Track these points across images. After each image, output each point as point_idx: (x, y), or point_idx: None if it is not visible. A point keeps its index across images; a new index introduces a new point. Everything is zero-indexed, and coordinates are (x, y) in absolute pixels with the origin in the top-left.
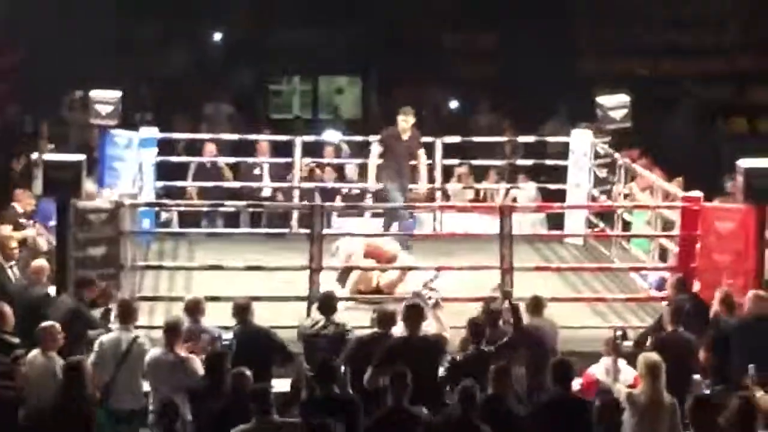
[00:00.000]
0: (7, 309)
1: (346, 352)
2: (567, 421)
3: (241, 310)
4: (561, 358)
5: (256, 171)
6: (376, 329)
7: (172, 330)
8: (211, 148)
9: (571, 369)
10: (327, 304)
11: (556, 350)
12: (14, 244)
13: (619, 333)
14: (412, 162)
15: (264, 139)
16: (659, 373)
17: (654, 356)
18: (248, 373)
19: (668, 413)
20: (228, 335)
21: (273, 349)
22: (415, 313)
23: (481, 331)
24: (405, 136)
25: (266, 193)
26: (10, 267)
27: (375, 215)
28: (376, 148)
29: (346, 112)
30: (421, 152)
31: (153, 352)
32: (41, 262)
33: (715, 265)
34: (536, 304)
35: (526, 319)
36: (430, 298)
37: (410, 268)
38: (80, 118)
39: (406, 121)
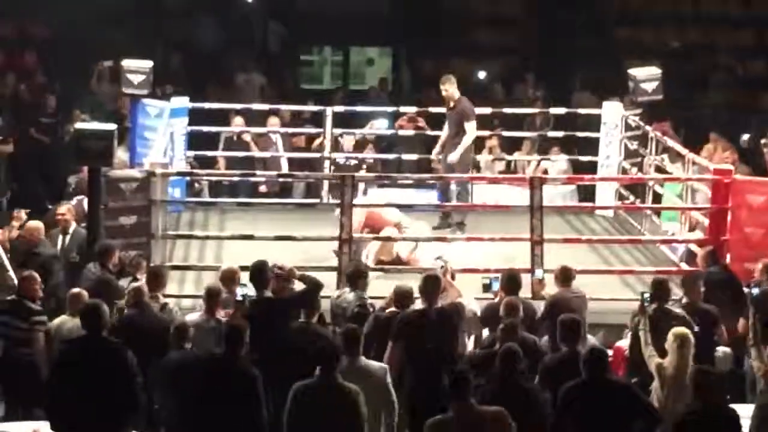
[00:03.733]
0: (36, 276)
1: (365, 330)
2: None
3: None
4: (570, 316)
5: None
6: (393, 308)
7: (212, 296)
8: (238, 121)
9: (580, 327)
10: (354, 275)
11: (584, 321)
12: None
13: (646, 296)
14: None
15: (286, 109)
16: (688, 344)
17: (683, 329)
18: None
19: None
20: (247, 290)
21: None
22: (431, 285)
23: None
24: (451, 104)
25: (283, 165)
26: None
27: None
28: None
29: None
30: (468, 125)
31: (192, 317)
32: (35, 223)
33: (746, 239)
34: (565, 275)
35: (554, 289)
36: (442, 267)
37: (428, 239)
38: (108, 88)
39: (445, 90)
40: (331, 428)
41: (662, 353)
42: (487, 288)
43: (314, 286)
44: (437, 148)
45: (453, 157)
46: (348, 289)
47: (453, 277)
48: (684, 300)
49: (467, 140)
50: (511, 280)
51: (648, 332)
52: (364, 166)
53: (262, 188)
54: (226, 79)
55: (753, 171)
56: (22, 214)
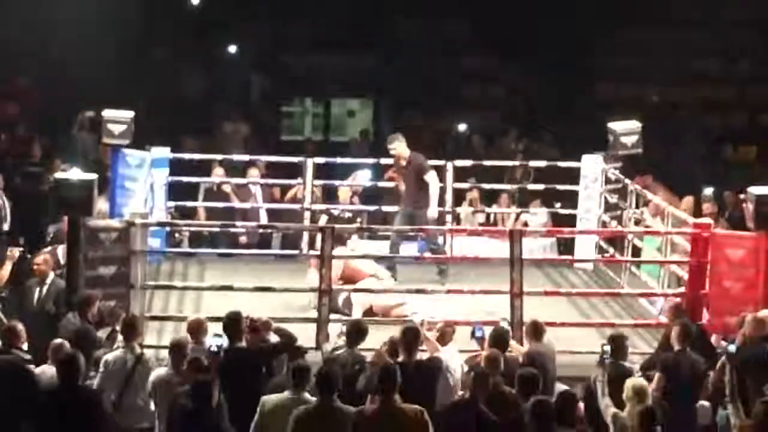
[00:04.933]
0: (20, 326)
1: (360, 385)
2: None
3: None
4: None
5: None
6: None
7: (177, 349)
8: (219, 172)
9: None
10: (355, 333)
11: (554, 376)
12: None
13: (606, 348)
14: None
15: (266, 160)
16: (645, 397)
17: (641, 380)
18: None
19: None
20: (221, 341)
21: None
22: (410, 336)
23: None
24: (403, 163)
25: (262, 216)
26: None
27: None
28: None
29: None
30: (428, 177)
31: (158, 372)
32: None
33: (725, 293)
34: (536, 329)
35: (526, 344)
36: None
37: (407, 291)
38: (88, 138)
39: (393, 149)
40: None
41: (619, 406)
42: (472, 335)
43: (288, 339)
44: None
45: (431, 213)
46: (344, 345)
47: (445, 333)
48: (677, 348)
49: (434, 192)
50: (497, 339)
51: (605, 383)
52: (359, 220)
53: (242, 239)
54: (207, 129)
55: (730, 225)
56: (15, 252)
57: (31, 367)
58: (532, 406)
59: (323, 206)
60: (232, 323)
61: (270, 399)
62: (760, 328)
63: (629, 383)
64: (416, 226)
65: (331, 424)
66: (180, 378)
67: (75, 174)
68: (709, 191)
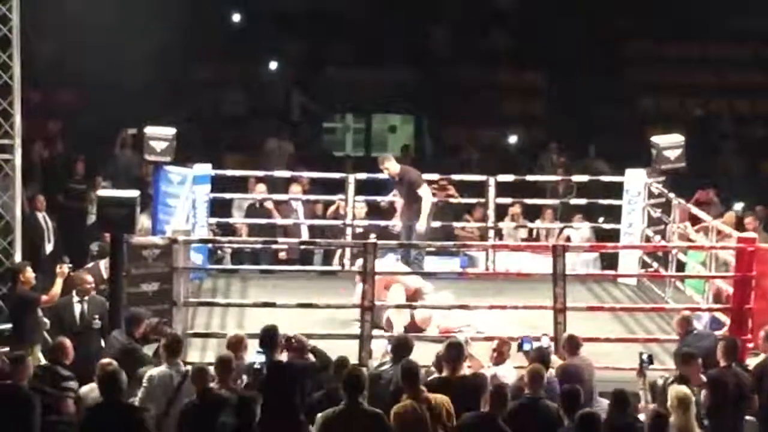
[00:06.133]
0: (68, 343)
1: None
2: None
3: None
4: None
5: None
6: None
7: (224, 365)
8: (260, 188)
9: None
10: (400, 349)
11: (592, 388)
12: (90, 278)
13: (645, 356)
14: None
15: (307, 176)
16: (689, 405)
17: (684, 389)
18: None
19: None
20: (264, 358)
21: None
22: (454, 353)
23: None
24: (397, 179)
25: (304, 232)
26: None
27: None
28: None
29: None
30: (421, 191)
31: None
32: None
33: None
34: (572, 343)
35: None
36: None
37: (449, 307)
38: (130, 156)
39: (386, 169)
40: None
41: None
42: (520, 348)
43: (324, 362)
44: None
45: (420, 227)
46: (390, 361)
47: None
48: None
49: (426, 207)
50: (540, 357)
51: (648, 391)
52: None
53: (282, 255)
54: (248, 146)
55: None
56: (65, 269)
57: (34, 395)
58: (579, 418)
59: (365, 222)
60: (269, 336)
61: (325, 414)
62: None
63: (672, 392)
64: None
65: (358, 425)
66: (226, 392)
67: (118, 191)
68: (739, 206)
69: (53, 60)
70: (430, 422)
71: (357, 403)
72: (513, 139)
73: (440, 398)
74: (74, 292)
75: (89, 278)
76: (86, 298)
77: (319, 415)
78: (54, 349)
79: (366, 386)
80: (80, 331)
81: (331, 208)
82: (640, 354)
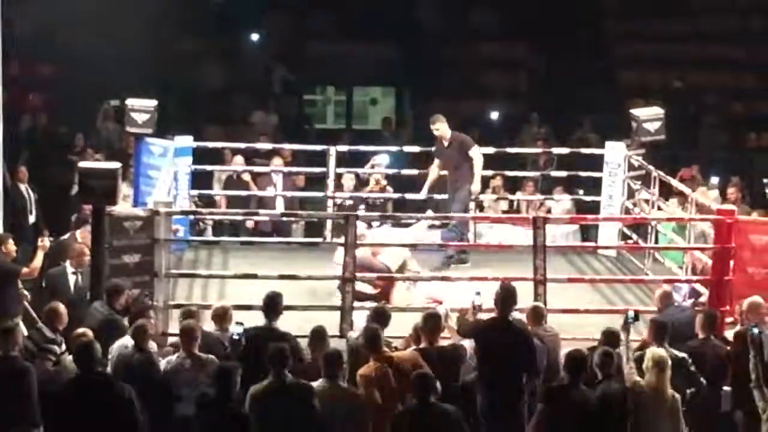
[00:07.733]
0: (62, 308)
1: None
2: None
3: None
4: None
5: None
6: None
7: (187, 334)
8: (238, 160)
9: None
10: (377, 318)
11: (557, 359)
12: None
13: (631, 314)
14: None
15: (289, 148)
16: (665, 367)
17: (661, 351)
18: None
19: (670, 407)
20: (242, 329)
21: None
22: (432, 323)
23: None
24: (445, 143)
25: (279, 204)
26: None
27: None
28: (436, 161)
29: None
30: (473, 152)
31: (170, 358)
32: None
33: (749, 279)
34: (536, 314)
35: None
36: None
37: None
38: (113, 128)
39: (436, 129)
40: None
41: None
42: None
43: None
44: (426, 188)
45: (476, 187)
46: None
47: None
48: (702, 336)
49: (478, 166)
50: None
51: (630, 349)
52: (362, 206)
53: (250, 224)
54: (230, 119)
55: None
56: (46, 242)
57: (29, 365)
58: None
59: (347, 194)
60: (272, 302)
61: (254, 387)
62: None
63: (649, 354)
64: (445, 214)
65: (286, 399)
66: (191, 362)
67: (99, 163)
68: (715, 180)
69: (33, 32)
70: (397, 379)
71: (282, 377)
72: (495, 115)
73: (407, 355)
74: (68, 263)
75: (86, 250)
76: (80, 270)
77: (250, 388)
78: (47, 312)
79: (290, 361)
80: (74, 302)
81: (371, 185)
82: (626, 312)
